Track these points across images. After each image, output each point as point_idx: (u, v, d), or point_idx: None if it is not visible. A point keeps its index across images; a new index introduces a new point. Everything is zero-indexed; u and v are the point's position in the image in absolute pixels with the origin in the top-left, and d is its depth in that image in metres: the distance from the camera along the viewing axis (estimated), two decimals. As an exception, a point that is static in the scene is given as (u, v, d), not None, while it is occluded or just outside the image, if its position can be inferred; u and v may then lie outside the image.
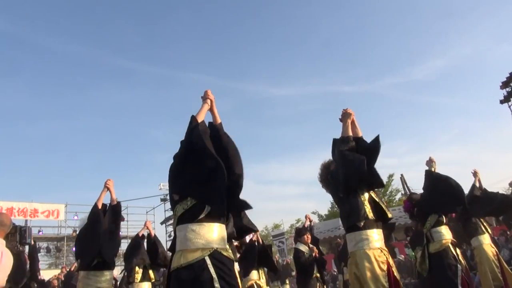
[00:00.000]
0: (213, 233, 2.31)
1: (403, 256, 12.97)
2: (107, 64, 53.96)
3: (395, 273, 2.94)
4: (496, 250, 5.17)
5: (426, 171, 4.61)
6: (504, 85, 17.70)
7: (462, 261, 4.33)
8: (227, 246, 2.38)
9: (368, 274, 2.82)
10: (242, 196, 2.51)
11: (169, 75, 55.73)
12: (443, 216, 4.51)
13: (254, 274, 5.92)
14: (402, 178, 18.12)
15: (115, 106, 52.81)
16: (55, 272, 12.63)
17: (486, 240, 5.21)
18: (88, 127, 48.30)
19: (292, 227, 30.51)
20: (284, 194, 55.27)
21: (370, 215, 3.02)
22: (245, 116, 59.96)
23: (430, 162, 4.64)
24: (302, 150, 56.44)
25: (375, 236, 2.98)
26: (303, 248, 5.95)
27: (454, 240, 4.46)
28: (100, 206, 4.27)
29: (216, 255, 2.25)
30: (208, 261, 2.20)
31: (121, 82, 55.02)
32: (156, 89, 54.68)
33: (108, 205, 4.39)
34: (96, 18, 53.75)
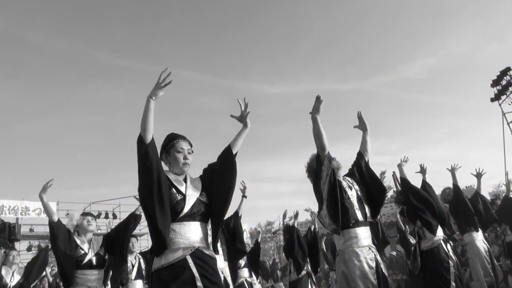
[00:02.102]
0: (194, 232, 2.26)
1: (394, 252, 13.04)
2: (99, 61, 53.56)
3: (384, 270, 2.93)
4: (488, 246, 5.20)
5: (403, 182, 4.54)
6: (495, 83, 17.84)
7: (453, 257, 4.35)
8: (209, 245, 2.33)
9: (357, 272, 2.82)
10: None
11: (160, 72, 55.31)
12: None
13: (245, 272, 5.92)
14: (394, 176, 18.14)
15: (107, 103, 52.43)
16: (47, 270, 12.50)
17: (478, 236, 5.23)
18: (80, 125, 47.90)
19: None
20: (277, 191, 55.40)
21: (359, 216, 3.02)
22: (238, 113, 59.72)
23: (400, 166, 4.54)
24: (295, 148, 56.50)
25: (363, 234, 2.99)
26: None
27: (446, 237, 4.48)
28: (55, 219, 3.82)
29: (198, 254, 2.20)
30: (190, 260, 2.15)
31: (114, 79, 54.65)
32: (149, 86, 54.14)
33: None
34: (89, 15, 53.23)
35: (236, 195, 2.68)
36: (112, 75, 55.32)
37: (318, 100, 3.01)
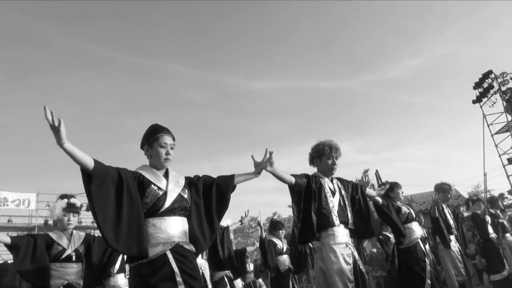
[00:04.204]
0: (174, 226, 2.27)
1: (375, 249, 13.23)
2: (83, 52, 52.60)
3: (361, 267, 2.98)
4: (459, 246, 5.31)
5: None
6: (477, 85, 18.26)
7: (430, 256, 4.45)
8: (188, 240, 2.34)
9: (334, 268, 2.85)
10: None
11: (147, 64, 54.86)
12: (413, 212, 4.63)
13: (225, 267, 5.93)
14: (376, 174, 18.43)
15: (90, 94, 51.64)
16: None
17: (450, 237, 5.34)
18: (61, 116, 46.85)
19: (268, 220, 30.71)
20: (261, 187, 55.70)
21: (336, 222, 3.03)
22: (224, 108, 59.81)
23: (367, 183, 4.14)
24: (280, 144, 56.68)
25: (341, 232, 3.02)
26: (276, 241, 6.02)
27: (424, 236, 4.58)
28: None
29: (177, 249, 2.20)
30: (170, 256, 2.15)
31: (97, 70, 53.81)
32: (133, 78, 53.75)
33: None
34: (74, 4, 52.14)
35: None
36: (96, 65, 54.47)
37: (267, 156, 2.75)
